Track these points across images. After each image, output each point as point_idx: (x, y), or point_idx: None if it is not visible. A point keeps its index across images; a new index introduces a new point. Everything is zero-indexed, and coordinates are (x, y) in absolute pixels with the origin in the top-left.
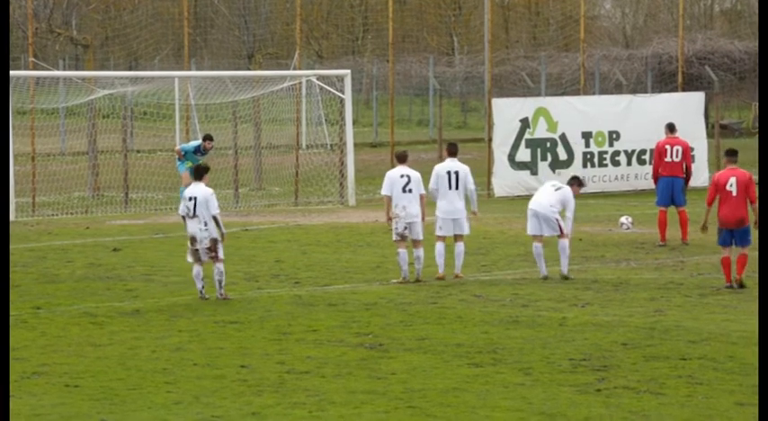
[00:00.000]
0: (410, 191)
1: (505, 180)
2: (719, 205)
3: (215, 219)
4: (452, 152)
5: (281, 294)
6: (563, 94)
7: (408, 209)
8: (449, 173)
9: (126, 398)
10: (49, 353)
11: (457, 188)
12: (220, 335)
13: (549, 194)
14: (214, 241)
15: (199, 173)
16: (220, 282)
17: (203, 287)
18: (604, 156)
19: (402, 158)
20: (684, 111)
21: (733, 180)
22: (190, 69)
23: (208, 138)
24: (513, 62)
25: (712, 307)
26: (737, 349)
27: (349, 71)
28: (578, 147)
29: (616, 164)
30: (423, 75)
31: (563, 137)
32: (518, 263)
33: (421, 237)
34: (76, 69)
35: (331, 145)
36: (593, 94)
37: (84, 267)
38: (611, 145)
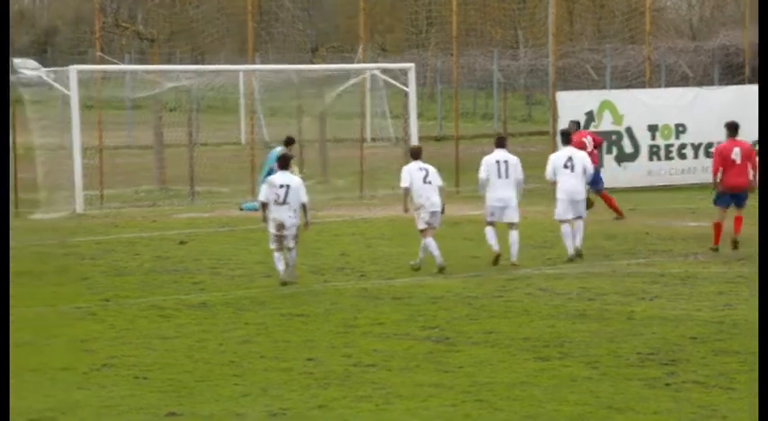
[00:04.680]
0: (430, 182)
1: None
2: (724, 172)
3: (304, 206)
4: (501, 144)
5: (346, 287)
6: (628, 86)
7: (431, 198)
8: (498, 162)
9: (194, 390)
10: (117, 346)
11: (507, 177)
12: (287, 327)
13: (578, 180)
14: (298, 228)
15: (286, 161)
16: (292, 265)
17: (284, 269)
18: (670, 149)
19: (416, 154)
20: (752, 103)
21: (737, 150)
22: (254, 63)
23: (290, 142)
24: (578, 55)
25: None
26: None
27: (413, 64)
28: (644, 140)
29: (682, 157)
30: (487, 68)
31: (628, 130)
32: (584, 256)
33: (437, 226)
34: (142, 63)
35: (395, 138)
36: (659, 86)
37: (152, 260)
38: (677, 138)
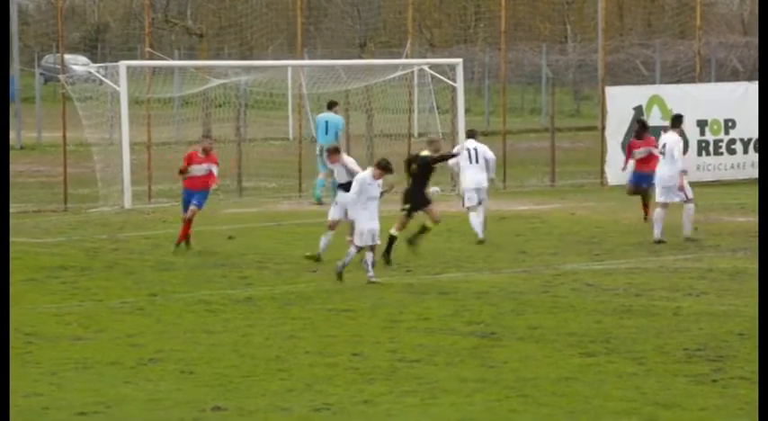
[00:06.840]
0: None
1: (619, 168)
2: None
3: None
4: (471, 136)
5: (392, 282)
6: (678, 81)
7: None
8: (468, 150)
9: (240, 385)
10: (164, 340)
11: (477, 162)
12: (333, 322)
13: (669, 166)
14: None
15: (329, 154)
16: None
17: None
18: (720, 144)
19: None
20: None
21: None
22: (303, 58)
23: (333, 104)
24: (627, 50)
25: None
26: None
27: (461, 60)
28: (693, 136)
29: (732, 152)
30: (535, 63)
31: None
32: (632, 252)
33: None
34: (191, 59)
35: (443, 134)
36: (709, 82)
37: (199, 255)
38: (726, 133)
